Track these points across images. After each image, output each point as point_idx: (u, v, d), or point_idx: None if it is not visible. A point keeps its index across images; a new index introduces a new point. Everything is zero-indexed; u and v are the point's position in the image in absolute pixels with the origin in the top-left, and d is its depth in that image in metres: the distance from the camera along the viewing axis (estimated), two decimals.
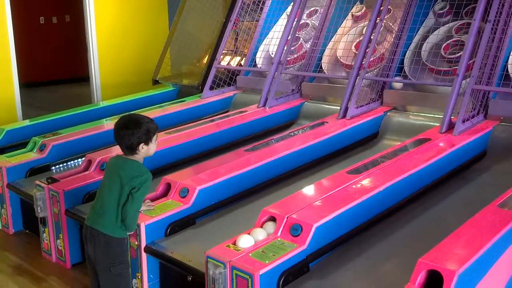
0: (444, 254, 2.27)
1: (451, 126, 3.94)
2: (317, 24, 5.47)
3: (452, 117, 3.98)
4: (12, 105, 6.60)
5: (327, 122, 4.50)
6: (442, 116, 4.01)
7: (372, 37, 4.67)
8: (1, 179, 4.19)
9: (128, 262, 2.80)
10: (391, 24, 4.98)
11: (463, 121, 3.90)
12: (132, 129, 2.69)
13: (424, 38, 4.71)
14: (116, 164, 2.79)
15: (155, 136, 2.79)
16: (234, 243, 2.64)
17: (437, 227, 3.05)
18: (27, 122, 5.49)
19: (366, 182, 3.19)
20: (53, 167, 4.38)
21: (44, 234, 3.79)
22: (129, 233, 2.84)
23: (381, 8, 4.71)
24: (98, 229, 2.67)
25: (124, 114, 2.88)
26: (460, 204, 3.38)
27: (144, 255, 3.03)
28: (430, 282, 2.21)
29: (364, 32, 4.83)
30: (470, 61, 4.08)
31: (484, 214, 2.67)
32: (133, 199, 2.67)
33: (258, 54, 5.86)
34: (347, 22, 5.40)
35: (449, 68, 4.38)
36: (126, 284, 2.79)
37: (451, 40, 4.52)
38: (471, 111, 4.01)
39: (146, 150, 2.75)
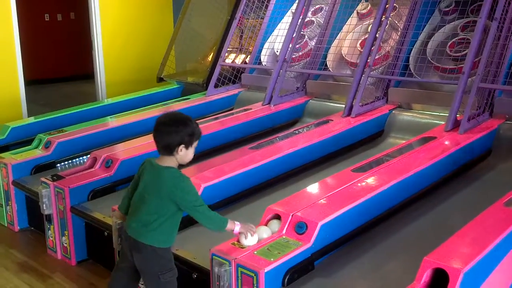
0: (450, 253, 2.27)
1: (456, 124, 3.93)
2: (322, 22, 5.46)
3: (457, 115, 3.97)
4: (17, 103, 6.62)
5: (332, 120, 4.49)
6: (447, 114, 4.00)
7: (377, 35, 4.66)
8: (6, 176, 4.20)
9: (175, 269, 2.56)
10: (396, 22, 4.97)
11: (469, 119, 3.89)
12: (176, 127, 2.43)
13: (430, 36, 4.70)
14: (152, 172, 2.50)
15: (196, 142, 2.51)
16: (239, 241, 2.64)
17: (442, 225, 3.05)
18: (32, 120, 5.50)
19: (371, 180, 3.19)
20: (58, 164, 4.39)
21: (49, 231, 3.80)
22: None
23: (387, 5, 4.70)
24: (142, 241, 2.47)
25: (168, 112, 2.60)
26: (466, 203, 3.37)
27: None
28: (435, 280, 2.20)
29: (369, 30, 4.82)
30: (476, 59, 4.07)
31: (490, 212, 2.67)
32: (195, 211, 2.46)
33: (263, 52, 5.85)
34: (352, 19, 5.38)
35: (455, 66, 4.36)
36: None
37: (456, 38, 4.51)
38: (477, 109, 4.00)
39: (184, 155, 2.47)
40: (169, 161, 2.49)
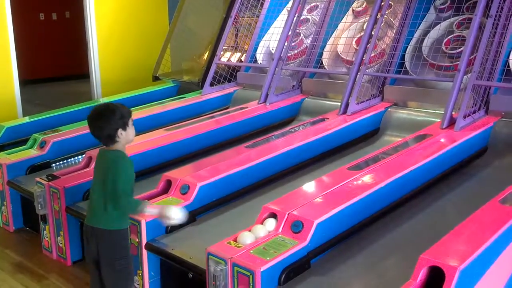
0: (446, 250, 2.27)
1: (452, 122, 3.93)
2: (317, 20, 5.45)
3: (453, 112, 3.97)
4: (12, 102, 6.60)
5: (328, 118, 4.49)
6: (443, 112, 4.00)
7: (373, 33, 4.66)
8: (1, 176, 4.18)
9: (131, 258, 2.73)
10: (392, 19, 4.96)
11: (464, 117, 3.89)
12: (106, 117, 2.59)
13: (425, 33, 4.69)
14: (99, 158, 2.72)
15: (130, 120, 2.67)
16: (235, 240, 2.63)
17: (439, 223, 3.04)
18: (27, 119, 5.48)
19: (367, 178, 3.18)
20: (54, 164, 4.37)
21: (44, 231, 3.78)
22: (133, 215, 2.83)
23: (382, 3, 4.70)
24: (98, 227, 2.63)
25: (94, 107, 2.74)
26: (462, 200, 3.37)
27: (145, 252, 3.02)
28: (431, 278, 2.20)
29: (364, 28, 4.81)
30: (471, 57, 4.07)
31: (486, 210, 2.67)
32: (115, 191, 2.53)
33: (259, 50, 5.84)
34: (348, 17, 5.38)
35: (450, 64, 4.36)
36: (130, 279, 2.74)
37: (452, 36, 4.51)
38: (472, 107, 4.00)
39: (126, 136, 2.64)
40: (116, 147, 2.65)
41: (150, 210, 2.65)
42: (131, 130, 2.68)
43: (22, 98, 6.77)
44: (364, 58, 4.61)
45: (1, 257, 3.87)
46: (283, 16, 5.77)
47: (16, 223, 4.25)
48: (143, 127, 4.76)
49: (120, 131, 2.61)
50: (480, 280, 2.25)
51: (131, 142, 2.74)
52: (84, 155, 4.07)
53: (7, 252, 3.94)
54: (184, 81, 6.26)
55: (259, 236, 2.65)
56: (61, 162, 4.42)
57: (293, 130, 4.37)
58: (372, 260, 2.75)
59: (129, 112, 2.70)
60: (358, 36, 5.05)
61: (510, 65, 4.07)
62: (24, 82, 7.77)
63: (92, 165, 3.86)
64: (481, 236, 2.39)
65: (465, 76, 4.04)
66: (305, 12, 5.56)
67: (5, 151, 4.49)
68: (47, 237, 3.78)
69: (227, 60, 6.04)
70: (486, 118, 4.04)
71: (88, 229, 2.67)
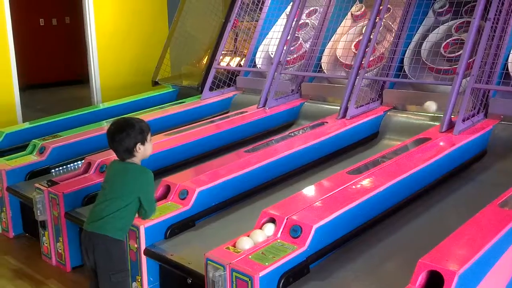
0: (445, 255, 2.26)
1: (451, 125, 3.93)
2: (316, 24, 5.45)
3: (452, 116, 3.97)
4: (12, 108, 6.60)
5: (327, 122, 4.48)
6: (442, 115, 4.00)
7: (371, 37, 4.66)
8: (0, 183, 4.18)
9: (128, 270, 2.77)
10: (390, 23, 4.97)
11: (463, 120, 3.88)
12: (126, 131, 2.67)
13: (424, 37, 4.69)
14: (116, 169, 2.77)
15: (149, 135, 2.76)
16: (234, 245, 2.63)
17: (438, 227, 3.04)
18: (26, 125, 5.49)
19: (366, 182, 3.18)
20: (53, 170, 4.38)
21: (44, 237, 3.78)
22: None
23: (381, 7, 4.70)
24: (97, 232, 2.63)
25: (114, 119, 2.86)
26: (461, 204, 3.37)
27: (143, 258, 3.02)
28: (430, 283, 2.20)
29: (363, 32, 4.82)
30: (470, 60, 4.06)
31: (485, 213, 2.66)
32: (149, 203, 2.73)
33: (258, 55, 5.85)
34: (347, 21, 5.38)
35: (449, 67, 4.36)
36: None
37: (451, 39, 4.51)
38: (471, 110, 3.99)
39: (143, 151, 2.73)
40: (132, 161, 2.74)
41: None
42: (149, 145, 2.76)
43: (22, 104, 6.78)
44: (363, 62, 4.61)
45: (0, 263, 3.86)
46: (282, 21, 5.78)
47: (16, 229, 4.25)
48: None
49: (139, 145, 2.69)
50: (479, 284, 2.24)
51: (147, 157, 2.80)
52: (83, 161, 4.07)
53: (6, 258, 3.94)
54: (184, 86, 6.27)
55: (258, 241, 2.65)
56: (60, 168, 4.42)
57: (292, 134, 4.37)
58: (372, 265, 2.75)
59: (149, 127, 2.77)
60: (357, 40, 5.05)
61: (509, 68, 4.07)
62: (24, 87, 7.78)
63: (91, 171, 3.87)
64: (481, 240, 2.38)
65: (464, 80, 4.03)
66: (304, 16, 5.57)
67: (4, 157, 4.50)
68: (46, 243, 3.78)
69: (226, 65, 6.05)
70: (485, 122, 4.03)
71: (87, 236, 2.67)
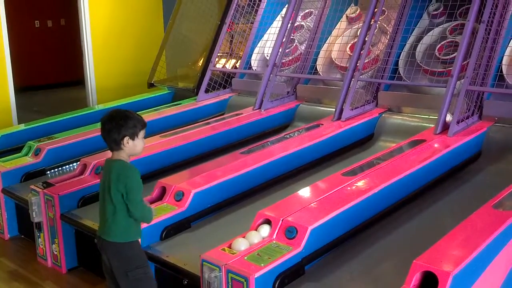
0: (439, 255, 2.27)
1: (446, 127, 3.95)
2: (311, 26, 5.47)
3: (446, 118, 3.98)
4: (7, 109, 6.60)
5: (322, 124, 4.50)
6: (437, 117, 4.02)
7: (366, 39, 4.68)
8: None
9: (147, 265, 2.65)
10: (385, 25, 4.99)
11: (458, 122, 3.90)
12: (117, 122, 2.56)
13: (419, 39, 4.72)
14: (105, 168, 2.66)
15: (142, 132, 2.63)
16: (230, 246, 2.64)
17: (433, 228, 3.05)
18: (22, 126, 5.48)
19: (361, 184, 3.19)
20: (48, 172, 4.37)
21: (39, 239, 3.78)
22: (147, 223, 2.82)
23: (376, 9, 4.72)
24: (105, 239, 2.59)
25: (110, 110, 2.72)
26: (455, 205, 3.39)
27: None
28: (425, 283, 2.21)
29: (358, 34, 4.83)
30: (464, 62, 4.09)
31: (479, 214, 2.68)
32: (131, 202, 2.54)
33: (253, 57, 5.86)
34: (342, 24, 5.40)
35: (444, 69, 4.38)
36: (150, 286, 2.68)
37: (445, 41, 4.53)
38: (466, 112, 4.02)
39: (132, 146, 2.59)
40: (119, 155, 2.62)
41: None
42: (140, 142, 2.63)
43: (17, 105, 6.76)
44: (358, 64, 4.63)
45: None
46: (277, 23, 5.79)
47: (11, 231, 4.24)
48: None
49: (127, 139, 2.57)
50: (473, 285, 2.26)
51: (137, 155, 2.71)
52: (78, 163, 4.07)
53: (2, 260, 3.93)
54: (179, 88, 6.27)
55: (253, 242, 2.66)
56: (56, 170, 4.42)
57: (288, 136, 4.38)
58: (367, 266, 2.76)
59: (144, 124, 2.66)
60: (352, 42, 5.07)
61: (503, 70, 4.09)
62: (20, 89, 7.76)
63: (87, 172, 3.88)
64: (475, 241, 2.40)
65: (459, 82, 4.06)
66: (299, 18, 5.58)
67: (0, 159, 4.48)
68: (42, 244, 3.77)
69: (222, 67, 6.06)
70: (479, 123, 4.05)
71: (99, 241, 2.64)
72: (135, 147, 2.62)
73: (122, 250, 2.58)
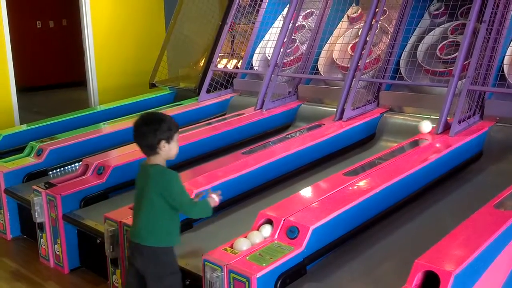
0: (441, 255, 2.28)
1: (447, 127, 3.95)
2: (313, 26, 5.48)
3: (448, 118, 3.99)
4: (9, 110, 6.61)
5: (324, 124, 4.50)
6: (438, 117, 4.02)
7: (368, 39, 4.68)
8: None
9: (179, 272, 2.62)
10: (386, 25, 4.99)
11: (459, 122, 3.91)
12: (153, 126, 2.51)
13: (420, 39, 4.72)
14: (142, 173, 2.62)
15: (176, 135, 2.59)
16: (231, 246, 2.64)
17: (434, 228, 3.05)
18: (24, 127, 5.49)
19: (363, 183, 3.20)
20: (51, 172, 4.38)
21: (41, 239, 3.78)
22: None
23: (377, 9, 4.73)
24: (144, 244, 2.54)
25: (143, 112, 2.71)
26: (457, 205, 3.39)
27: None
28: (426, 283, 2.21)
29: (360, 34, 4.84)
30: (466, 62, 4.09)
31: (481, 214, 2.68)
32: (181, 206, 2.55)
33: (255, 57, 5.87)
34: (343, 23, 5.41)
35: (445, 69, 4.39)
36: None
37: (446, 41, 4.54)
38: (467, 112, 4.02)
39: (168, 150, 2.54)
40: (156, 159, 2.57)
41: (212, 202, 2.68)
42: (174, 145, 2.58)
43: (19, 106, 6.77)
44: (359, 64, 4.63)
45: None
46: (278, 23, 5.80)
47: (13, 231, 4.25)
48: None
49: (163, 143, 2.52)
50: (475, 285, 2.26)
51: (172, 158, 2.62)
52: (81, 163, 4.08)
53: (4, 260, 3.94)
54: (181, 88, 6.28)
55: (255, 242, 2.66)
56: (58, 170, 4.42)
57: (289, 136, 4.39)
58: (369, 265, 2.76)
59: (177, 127, 2.61)
60: (353, 42, 5.07)
61: (504, 70, 4.09)
62: (22, 89, 7.77)
63: (89, 173, 3.88)
64: (476, 240, 2.40)
65: (460, 82, 4.06)
66: (300, 18, 5.59)
67: (2, 159, 4.49)
68: (44, 245, 3.78)
69: (224, 67, 6.07)
70: (481, 123, 4.05)
71: (133, 246, 2.60)
72: (170, 151, 2.57)
73: (159, 256, 2.54)
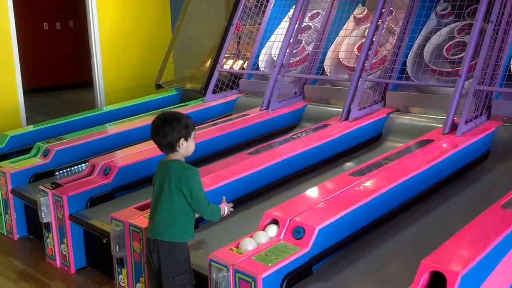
0: (447, 255, 2.27)
1: (454, 127, 3.93)
2: (319, 27, 5.47)
3: (455, 118, 3.97)
4: (16, 111, 6.63)
5: (330, 125, 4.49)
6: (445, 117, 4.01)
7: (374, 39, 4.67)
8: (5, 185, 4.20)
9: (192, 272, 2.67)
10: (393, 25, 4.98)
11: (466, 122, 3.89)
12: (172, 124, 2.60)
13: (426, 39, 4.71)
14: (162, 168, 2.68)
15: (193, 133, 2.70)
16: (237, 246, 2.64)
17: (441, 228, 3.05)
18: (31, 128, 5.51)
19: (369, 184, 3.19)
20: (57, 172, 4.40)
21: (48, 239, 3.80)
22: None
23: (383, 10, 4.72)
24: (161, 239, 2.59)
25: (161, 112, 2.77)
26: (464, 205, 3.38)
27: None
28: (433, 283, 2.20)
29: (366, 34, 4.83)
30: (473, 62, 4.07)
31: (487, 214, 2.67)
32: (195, 202, 2.61)
33: (261, 57, 5.87)
34: (349, 24, 5.40)
35: (452, 69, 4.37)
36: None
37: (453, 41, 4.52)
38: (474, 112, 4.00)
39: (186, 147, 2.65)
40: (175, 156, 2.67)
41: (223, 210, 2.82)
42: (192, 142, 2.69)
43: (26, 107, 6.80)
44: (365, 65, 4.62)
45: (5, 265, 3.88)
46: (284, 24, 5.79)
47: (20, 231, 4.27)
48: (146, 135, 4.74)
49: (182, 140, 2.63)
50: (482, 285, 2.25)
51: (189, 155, 2.72)
52: (87, 163, 4.09)
53: (11, 260, 3.95)
54: (187, 89, 6.29)
55: (261, 242, 2.66)
56: (64, 170, 4.44)
57: (295, 137, 4.38)
58: (375, 266, 2.75)
59: (194, 124, 2.72)
60: (360, 42, 5.06)
61: (511, 70, 4.07)
62: (28, 91, 7.80)
63: (95, 173, 3.89)
64: (483, 241, 2.39)
65: (467, 82, 4.04)
66: (306, 19, 5.58)
67: (9, 160, 4.51)
68: (50, 245, 3.79)
69: (229, 68, 6.07)
70: (488, 123, 4.04)
71: (150, 243, 2.64)
72: (188, 148, 2.68)
73: (175, 252, 2.59)
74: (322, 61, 5.28)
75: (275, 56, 5.55)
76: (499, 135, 3.95)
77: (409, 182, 3.30)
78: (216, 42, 6.18)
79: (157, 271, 2.66)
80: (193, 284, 2.69)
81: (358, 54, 4.88)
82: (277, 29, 5.90)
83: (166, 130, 2.60)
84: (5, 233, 4.35)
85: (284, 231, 2.71)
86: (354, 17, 5.42)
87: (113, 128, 5.09)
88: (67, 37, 10.91)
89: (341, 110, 4.59)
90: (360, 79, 4.59)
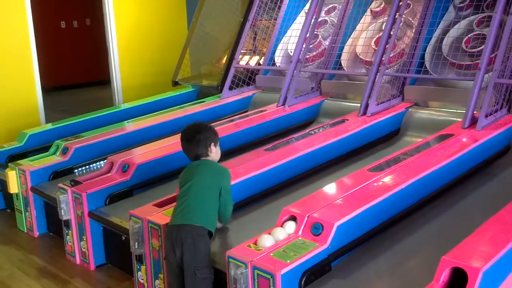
0: (469, 251, 2.24)
1: (474, 121, 3.88)
2: (335, 21, 5.43)
3: (474, 112, 3.92)
4: (34, 110, 6.69)
5: (348, 120, 4.46)
6: (464, 111, 3.95)
7: (391, 33, 4.62)
8: (25, 183, 4.25)
9: (212, 268, 2.74)
10: (410, 19, 4.92)
11: (486, 116, 3.83)
12: (204, 132, 2.90)
13: (445, 32, 4.64)
14: (197, 167, 2.89)
15: (218, 139, 2.99)
16: (255, 243, 2.64)
17: (461, 224, 3.01)
18: (49, 126, 5.55)
19: (388, 179, 3.16)
20: (76, 170, 4.43)
21: (68, 236, 3.83)
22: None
23: (400, 3, 4.66)
24: (186, 223, 2.70)
25: (188, 125, 3.02)
26: (484, 200, 3.33)
27: None
28: (454, 280, 2.17)
29: (383, 28, 4.78)
30: (492, 55, 4.01)
31: (509, 209, 2.63)
32: (224, 202, 2.89)
33: (277, 53, 5.84)
34: (366, 18, 5.35)
35: (471, 62, 4.31)
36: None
37: (472, 34, 4.45)
38: (494, 105, 3.94)
39: (216, 152, 2.96)
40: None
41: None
42: (219, 149, 3.00)
43: (44, 106, 6.86)
44: (383, 59, 4.58)
45: (26, 262, 3.92)
46: (301, 19, 5.76)
47: (40, 229, 4.32)
48: (163, 132, 4.80)
49: (213, 144, 2.93)
50: (504, 282, 2.22)
51: (216, 161, 3.00)
52: (105, 161, 4.11)
53: (31, 257, 4.00)
54: (204, 86, 6.29)
55: (279, 239, 2.65)
56: (83, 168, 4.48)
57: (312, 132, 4.35)
58: (394, 262, 2.73)
59: (217, 133, 3.02)
60: (377, 36, 5.01)
61: None
62: (47, 89, 7.88)
63: (114, 170, 3.91)
64: (505, 236, 2.35)
65: (486, 75, 3.98)
66: (323, 13, 5.55)
67: (28, 158, 4.56)
68: (70, 242, 3.83)
69: (246, 64, 6.06)
70: (508, 117, 3.98)
71: (175, 230, 2.72)
72: (217, 154, 2.99)
73: (198, 244, 2.69)
74: (339, 55, 5.24)
75: (291, 52, 5.53)
76: None
77: (429, 177, 3.26)
78: (232, 38, 6.17)
79: (177, 265, 2.69)
80: (212, 279, 2.71)
81: (376, 48, 4.83)
82: (293, 24, 5.87)
83: (200, 138, 2.88)
84: (25, 231, 4.40)
85: (302, 227, 2.70)
86: (371, 10, 5.37)
87: (131, 126, 5.12)
88: (84, 35, 11.00)
89: (359, 105, 4.55)
90: (378, 73, 4.55)
